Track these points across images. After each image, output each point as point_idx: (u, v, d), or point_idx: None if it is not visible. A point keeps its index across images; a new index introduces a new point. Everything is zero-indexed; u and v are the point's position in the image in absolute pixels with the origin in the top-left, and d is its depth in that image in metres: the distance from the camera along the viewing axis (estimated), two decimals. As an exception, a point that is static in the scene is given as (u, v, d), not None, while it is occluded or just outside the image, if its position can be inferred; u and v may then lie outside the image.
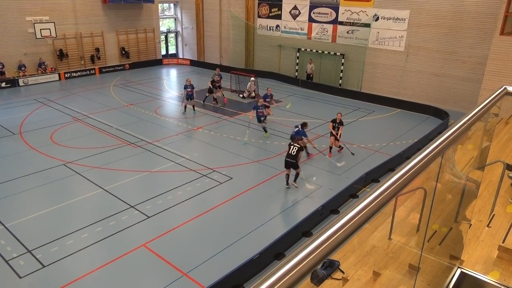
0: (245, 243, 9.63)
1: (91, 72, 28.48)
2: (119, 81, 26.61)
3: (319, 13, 24.89)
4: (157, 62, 32.61)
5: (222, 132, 17.05)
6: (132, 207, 11.10)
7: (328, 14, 24.45)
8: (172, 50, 36.03)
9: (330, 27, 24.60)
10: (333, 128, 14.44)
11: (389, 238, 5.44)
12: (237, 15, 29.14)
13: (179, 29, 35.02)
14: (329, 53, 24.87)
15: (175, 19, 34.98)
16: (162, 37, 34.45)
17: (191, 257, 9.08)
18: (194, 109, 19.91)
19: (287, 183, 12.12)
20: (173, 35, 35.64)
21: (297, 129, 13.92)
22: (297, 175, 12.19)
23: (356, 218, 1.81)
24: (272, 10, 27.40)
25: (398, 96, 21.98)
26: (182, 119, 18.90)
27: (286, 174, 12.12)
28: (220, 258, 9.06)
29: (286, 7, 26.56)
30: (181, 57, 34.77)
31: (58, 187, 12.25)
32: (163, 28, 34.66)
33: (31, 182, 12.48)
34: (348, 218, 1.80)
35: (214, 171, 13.35)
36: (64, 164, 13.69)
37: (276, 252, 9.09)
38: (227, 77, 24.12)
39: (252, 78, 22.79)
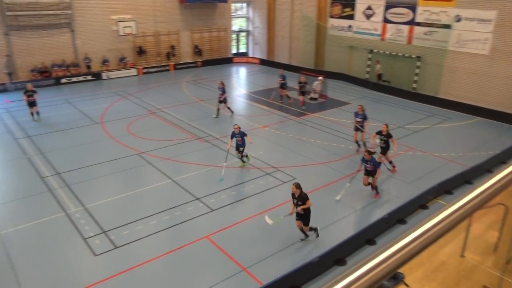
0: (305, 245, 9.57)
1: (166, 68, 29.96)
2: (191, 78, 27.70)
3: (395, 13, 23.88)
4: (228, 60, 33.45)
5: (288, 132, 17.06)
6: (198, 199, 11.52)
7: (404, 14, 23.38)
8: (242, 49, 36.74)
9: (406, 28, 23.49)
10: (379, 141, 13.09)
11: (462, 255, 5.09)
12: (308, 15, 28.93)
13: (250, 28, 35.60)
14: (403, 55, 23.77)
15: (247, 18, 35.61)
16: (234, 36, 35.25)
17: (251, 253, 9.22)
18: (231, 111, 19.36)
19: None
20: (244, 34, 36.32)
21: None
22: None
23: (431, 232, 1.72)
24: (345, 10, 26.82)
25: (479, 103, 20.39)
26: (249, 117, 19.21)
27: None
28: (280, 257, 9.09)
29: (360, 7, 25.83)
30: (251, 56, 35.33)
31: (131, 175, 13.07)
32: (235, 27, 35.45)
33: (108, 169, 13.46)
34: (422, 231, 1.71)
35: (278, 170, 13.42)
36: (138, 154, 14.58)
37: (337, 257, 8.93)
38: (293, 77, 24.05)
39: (320, 78, 22.50)
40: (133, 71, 28.44)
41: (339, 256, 8.98)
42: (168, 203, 11.32)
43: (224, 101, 18.84)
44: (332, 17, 27.78)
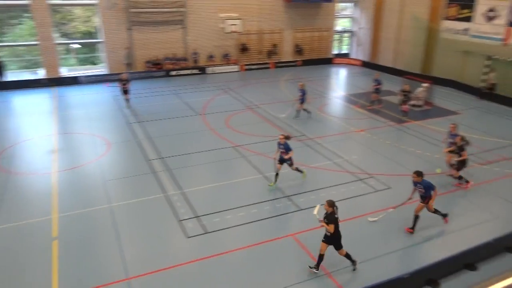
0: (393, 259, 9.07)
1: (266, 66, 30.66)
2: (290, 77, 27.93)
3: (524, 16, 21.23)
4: (328, 61, 33.02)
5: (385, 138, 16.28)
6: (287, 197, 11.60)
7: (535, 17, 20.67)
8: (344, 50, 35.95)
9: (536, 33, 20.77)
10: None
11: None
12: (419, 17, 27.16)
13: (354, 29, 34.65)
14: (529, 63, 21.06)
15: (352, 19, 34.70)
16: (336, 36, 34.65)
17: (336, 258, 9.00)
18: (307, 112, 18.69)
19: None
20: (347, 35, 35.49)
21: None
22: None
23: None
24: (462, 12, 24.59)
25: None
26: (345, 120, 18.75)
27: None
28: (367, 267, 8.74)
29: (481, 8, 23.48)
30: (353, 57, 34.41)
31: (226, 166, 13.66)
32: (339, 27, 34.80)
33: (206, 158, 14.24)
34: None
35: (372, 177, 12.89)
36: (233, 147, 15.18)
37: (429, 277, 8.29)
38: (396, 81, 22.80)
39: (425, 85, 20.99)
40: (236, 67, 29.63)
41: (432, 277, 8.32)
42: (257, 197, 11.59)
43: (302, 101, 18.43)
44: (446, 19, 25.71)
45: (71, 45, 28.61)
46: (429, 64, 27.34)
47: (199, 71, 28.43)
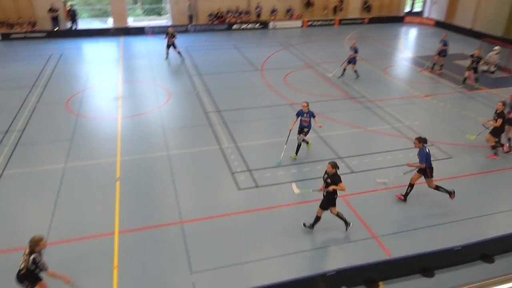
0: (447, 229, 8.74)
1: (330, 22, 29.40)
2: (355, 35, 26.63)
3: None
4: (398, 19, 30.93)
5: (453, 105, 15.26)
6: (340, 158, 11.44)
7: None
8: (417, 8, 33.34)
9: None
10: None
11: None
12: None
13: (431, -16, 31.82)
14: None
15: (430, -27, 31.81)
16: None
17: (386, 223, 8.89)
18: (357, 75, 17.75)
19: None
20: (423, -9, 32.75)
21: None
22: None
23: None
24: None
25: None
26: (410, 83, 17.73)
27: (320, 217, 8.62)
28: (416, 235, 8.54)
29: None
30: (426, 16, 31.88)
31: (280, 124, 13.62)
32: (414, -18, 32.18)
33: (260, 114, 14.29)
34: None
35: (433, 144, 12.26)
36: (289, 105, 15.05)
37: (483, 252, 7.94)
38: (472, 44, 20.91)
39: (496, 47, 19.02)
40: (298, 23, 28.74)
41: (486, 252, 7.97)
42: (310, 157, 11.55)
43: (352, 62, 17.52)
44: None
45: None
46: (514, 27, 24.66)
47: (261, 25, 27.95)
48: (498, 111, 11.22)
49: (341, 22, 29.62)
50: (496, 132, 11.38)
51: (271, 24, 28.07)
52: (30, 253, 6.08)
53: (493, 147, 11.64)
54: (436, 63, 19.04)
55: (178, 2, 26.82)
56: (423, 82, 17.90)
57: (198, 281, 7.28)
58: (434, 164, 9.50)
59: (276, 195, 9.86)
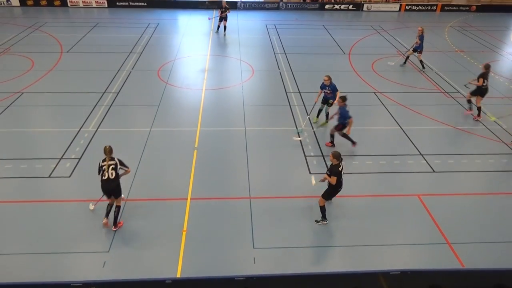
0: (534, 248, 7.90)
1: (432, 8, 27.25)
2: (458, 23, 24.42)
3: None
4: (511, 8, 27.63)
5: None
6: (421, 155, 10.78)
7: None
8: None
9: None
10: None
11: None
12: None
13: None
14: None
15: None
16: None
17: (463, 230, 8.27)
18: (423, 65, 16.54)
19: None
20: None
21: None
22: None
23: None
24: None
25: None
26: (516, 82, 15.93)
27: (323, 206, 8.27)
28: (495, 248, 7.84)
29: None
30: (547, 7, 28.07)
31: (363, 112, 13.11)
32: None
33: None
34: None
35: (533, 153, 11.00)
36: (374, 93, 14.42)
37: None
38: None
39: None
40: (396, 6, 27.08)
41: None
42: (389, 149, 11.06)
43: (418, 50, 16.25)
44: None
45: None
46: None
47: (354, 7, 26.82)
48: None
49: (444, 8, 27.28)
50: (476, 92, 12.54)
51: (365, 6, 26.80)
52: (113, 158, 7.79)
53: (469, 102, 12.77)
54: None
55: (273, -22, 26.70)
56: (532, 82, 15.97)
57: (258, 257, 7.48)
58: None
59: (349, 184, 9.56)
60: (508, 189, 9.59)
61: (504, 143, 11.46)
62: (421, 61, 16.49)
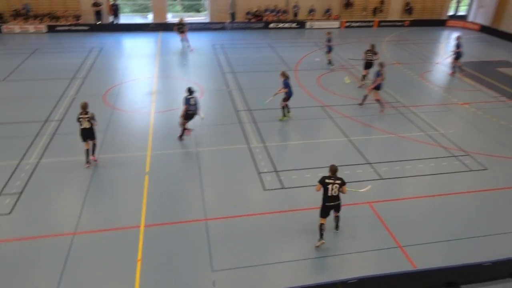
0: (477, 244, 8.40)
1: (369, 24, 28.82)
2: (394, 37, 26.00)
3: None
4: (440, 23, 29.91)
5: (492, 114, 14.60)
6: (369, 164, 11.23)
7: None
8: (462, 11, 32.09)
9: None
10: None
11: None
12: None
13: (478, -13, 30.53)
14: None
15: (478, -25, 30.51)
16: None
17: (412, 233, 8.65)
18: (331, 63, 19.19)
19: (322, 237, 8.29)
20: (469, -6, 31.47)
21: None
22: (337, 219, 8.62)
23: None
24: None
25: None
26: (448, 90, 17.12)
27: (322, 224, 8.20)
28: (443, 247, 8.27)
29: None
30: (471, 20, 30.61)
31: (311, 125, 13.53)
32: (460, -16, 30.99)
33: (291, 115, 14.18)
34: None
35: (468, 155, 11.80)
36: (321, 106, 14.89)
37: (514, 270, 7.59)
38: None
39: None
40: (336, 24, 28.37)
41: (518, 271, 7.61)
42: (338, 160, 11.32)
43: (328, 51, 19.07)
44: None
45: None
46: None
47: (298, 25, 27.79)
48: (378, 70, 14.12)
49: (381, 24, 28.96)
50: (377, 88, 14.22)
51: (308, 24, 27.85)
52: (87, 112, 10.20)
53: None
54: (455, 66, 18.82)
55: (217, -1, 27.13)
56: (462, 89, 17.24)
57: (218, 279, 7.36)
58: (466, 175, 9.18)
59: (302, 197, 9.79)
60: (450, 190, 10.19)
61: (442, 147, 12.21)
62: (329, 60, 19.13)
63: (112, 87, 16.33)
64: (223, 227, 8.71)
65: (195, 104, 11.91)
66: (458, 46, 18.33)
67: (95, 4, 25.42)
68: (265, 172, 10.72)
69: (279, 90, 13.28)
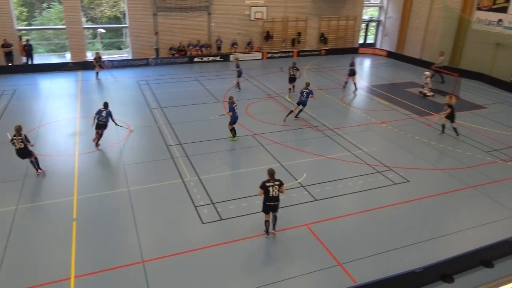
0: (408, 252, 8.94)
1: (289, 54, 30.34)
2: (313, 66, 27.59)
3: (562, 7, 20.20)
4: (353, 51, 32.39)
5: (407, 131, 15.95)
6: (303, 186, 11.57)
7: None
8: (370, 40, 35.18)
9: None
10: None
11: None
12: (451, 6, 26.21)
13: (382, 18, 33.81)
14: None
15: (380, 7, 33.85)
16: (363, 25, 33.92)
17: (350, 249, 8.97)
18: (238, 87, 21.30)
19: (267, 232, 9.42)
20: (374, 24, 34.68)
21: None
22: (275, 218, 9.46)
23: None
24: (497, 2, 23.58)
25: None
26: (366, 111, 18.44)
27: (266, 221, 9.30)
28: (379, 259, 8.67)
29: (517, -2, 22.47)
30: (378, 47, 33.65)
31: (243, 154, 13.70)
32: (366, 16, 34.04)
33: (223, 145, 14.30)
34: None
35: (391, 169, 12.69)
36: (252, 135, 15.18)
37: (443, 272, 8.15)
38: (420, 73, 22.20)
39: (427, 73, 21.38)
40: (258, 55, 29.48)
41: (447, 272, 8.18)
42: (273, 186, 11.59)
43: (239, 75, 21.02)
44: (479, 9, 24.74)
45: (98, 29, 29.01)
46: (457, 56, 26.49)
47: (222, 58, 28.42)
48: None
49: (300, 53, 30.65)
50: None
51: (231, 57, 28.60)
52: (20, 134, 11.15)
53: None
54: (347, 81, 22.02)
55: (138, 36, 26.91)
56: (378, 109, 18.67)
57: (161, 322, 6.96)
58: (391, 188, 9.83)
59: (241, 227, 9.76)
60: (378, 204, 10.79)
61: (367, 164, 13.01)
62: (238, 83, 21.37)
63: (29, 130, 15.18)
64: (162, 268, 8.33)
65: (106, 117, 13.64)
66: (351, 65, 21.52)
67: (4, 46, 23.83)
68: (202, 205, 10.55)
69: (227, 113, 14.69)
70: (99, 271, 8.17)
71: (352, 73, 21.29)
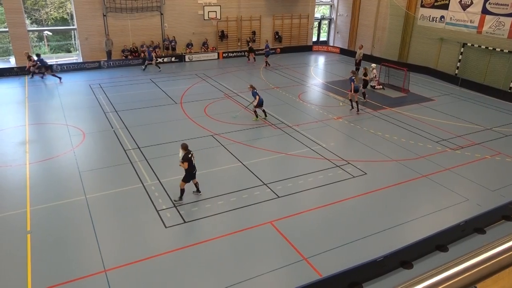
0: (369, 242, 9.26)
1: (245, 53, 30.39)
2: (269, 63, 27.81)
3: (497, 4, 21.66)
4: (307, 48, 33.03)
5: (362, 125, 16.49)
6: (265, 184, 11.66)
7: (508, 5, 21.10)
8: (323, 37, 36.00)
9: (508, 20, 21.23)
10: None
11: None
12: (397, 4, 27.38)
13: (333, 16, 34.70)
14: (502, 50, 21.59)
15: (331, 6, 34.72)
16: (315, 23, 34.65)
17: (313, 243, 9.15)
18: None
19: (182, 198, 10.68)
20: (326, 22, 35.53)
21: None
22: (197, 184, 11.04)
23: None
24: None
25: None
26: (323, 107, 18.88)
27: (183, 189, 10.62)
28: (342, 251, 8.91)
29: (456, -4, 23.84)
30: (331, 44, 34.51)
31: (204, 155, 13.56)
32: (318, 14, 34.79)
33: (184, 147, 14.10)
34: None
35: (349, 163, 13.07)
36: (212, 135, 15.10)
37: (403, 259, 8.52)
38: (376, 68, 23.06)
39: (373, 65, 22.54)
40: (214, 55, 29.32)
41: (406, 259, 8.56)
42: (236, 186, 11.61)
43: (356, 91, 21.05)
44: (423, 6, 26.00)
45: (44, 32, 27.64)
46: (405, 52, 27.71)
47: (177, 59, 28.01)
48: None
49: (255, 52, 30.77)
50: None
51: (187, 57, 28.25)
52: None
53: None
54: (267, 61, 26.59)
55: (88, 38, 25.94)
56: (334, 105, 19.16)
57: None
58: (350, 181, 10.11)
59: (205, 228, 9.69)
60: (338, 197, 11.10)
61: (326, 159, 13.32)
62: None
63: (-28, 141, 14.27)
64: (125, 275, 8.10)
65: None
66: (266, 47, 26.40)
67: None
68: (164, 209, 10.37)
69: (253, 102, 16.41)
70: (59, 284, 7.82)
71: (356, 90, 17.82)
